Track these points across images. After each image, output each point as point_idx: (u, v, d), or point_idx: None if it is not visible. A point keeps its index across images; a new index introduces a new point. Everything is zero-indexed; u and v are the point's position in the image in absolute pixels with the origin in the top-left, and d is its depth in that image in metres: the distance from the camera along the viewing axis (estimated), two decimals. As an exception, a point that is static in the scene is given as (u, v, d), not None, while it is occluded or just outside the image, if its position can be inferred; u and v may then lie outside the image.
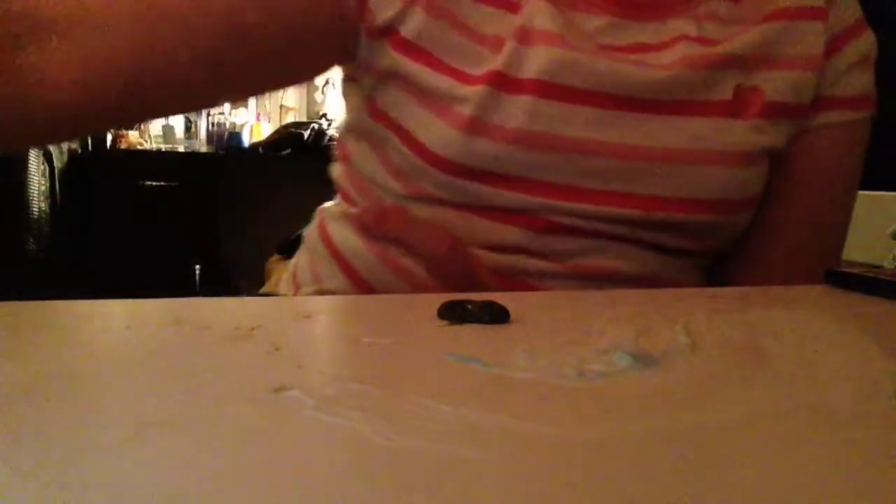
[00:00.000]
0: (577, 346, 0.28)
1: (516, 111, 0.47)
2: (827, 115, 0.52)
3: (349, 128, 0.59)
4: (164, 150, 2.89)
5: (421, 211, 0.50)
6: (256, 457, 0.17)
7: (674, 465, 0.18)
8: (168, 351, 0.28)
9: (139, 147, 2.79)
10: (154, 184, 2.52)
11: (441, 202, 0.50)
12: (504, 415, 0.20)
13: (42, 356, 0.26)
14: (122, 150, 2.73)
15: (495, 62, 0.48)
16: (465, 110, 0.47)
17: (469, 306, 0.32)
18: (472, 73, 0.48)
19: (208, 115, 2.99)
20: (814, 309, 0.40)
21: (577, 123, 0.48)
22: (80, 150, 2.51)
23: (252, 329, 0.30)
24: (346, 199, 0.59)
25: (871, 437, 0.20)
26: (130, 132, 2.78)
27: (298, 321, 0.33)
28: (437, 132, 0.48)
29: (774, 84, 0.50)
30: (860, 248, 0.93)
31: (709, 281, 0.56)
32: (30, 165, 2.15)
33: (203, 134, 3.01)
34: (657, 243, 0.50)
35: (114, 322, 0.33)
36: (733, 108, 0.50)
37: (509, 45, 0.48)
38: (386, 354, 0.27)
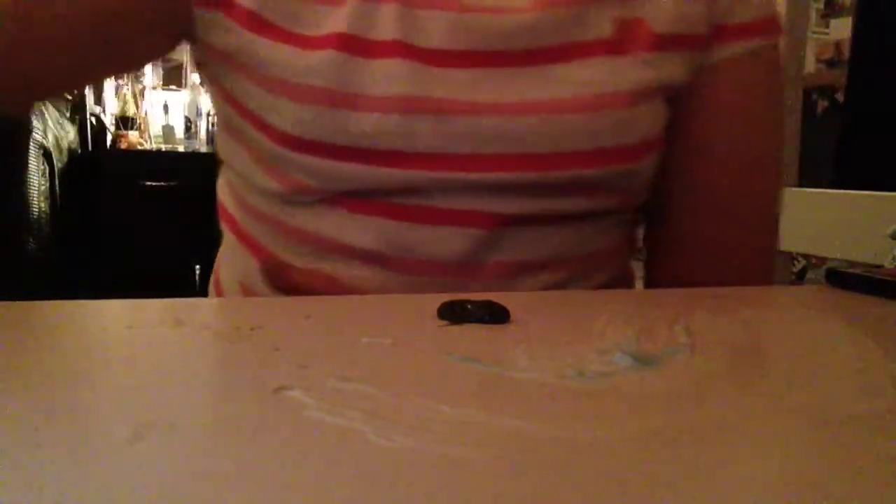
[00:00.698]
0: (577, 346, 0.28)
1: (382, 76, 0.42)
2: (728, 46, 0.48)
3: (220, 124, 0.52)
4: (164, 150, 2.89)
5: (302, 217, 0.46)
6: (256, 457, 0.17)
7: (674, 464, 0.18)
8: (168, 351, 0.28)
9: (139, 147, 2.79)
10: (154, 184, 2.52)
11: (322, 199, 0.45)
12: (504, 415, 0.20)
13: (42, 356, 0.26)
14: (122, 150, 2.73)
15: (338, 23, 0.43)
16: (318, 82, 0.42)
17: (469, 306, 0.32)
18: (314, 34, 0.43)
19: (208, 115, 2.99)
20: (814, 309, 0.40)
21: (451, 86, 0.43)
22: (80, 150, 2.51)
23: (252, 329, 0.30)
24: (228, 221, 0.54)
25: (871, 437, 0.20)
26: (130, 132, 2.78)
27: (298, 321, 0.33)
28: (290, 112, 0.43)
29: (659, 14, 0.46)
30: (860, 248, 0.92)
31: (637, 240, 0.54)
32: (30, 165, 2.15)
33: (203, 134, 3.01)
34: (564, 212, 0.46)
35: (114, 322, 0.33)
36: (616, 45, 0.45)
37: (352, 3, 0.43)
38: (386, 354, 0.27)
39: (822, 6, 3.01)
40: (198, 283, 2.47)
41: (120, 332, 0.31)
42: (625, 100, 0.44)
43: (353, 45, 0.43)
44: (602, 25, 0.45)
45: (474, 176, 0.44)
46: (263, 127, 0.45)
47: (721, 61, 0.48)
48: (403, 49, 0.43)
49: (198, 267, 2.49)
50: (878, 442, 0.20)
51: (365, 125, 0.42)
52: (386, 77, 0.43)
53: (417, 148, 0.43)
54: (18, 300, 0.34)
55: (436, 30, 0.44)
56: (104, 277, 2.44)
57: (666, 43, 0.46)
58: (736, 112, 0.50)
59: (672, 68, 0.47)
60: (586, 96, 0.44)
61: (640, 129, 0.46)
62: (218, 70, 0.47)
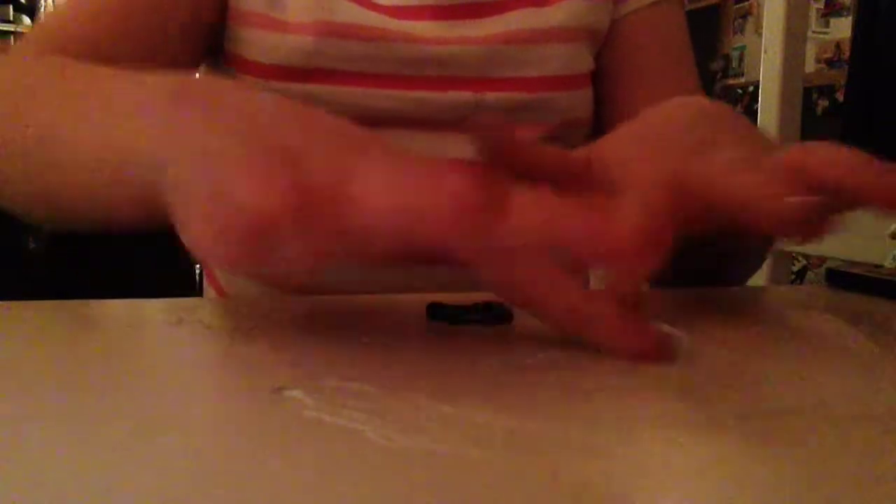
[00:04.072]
0: (577, 345, 0.28)
1: (307, 4, 0.50)
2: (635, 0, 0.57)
3: None
4: (164, 149, 2.88)
5: None
6: (256, 457, 0.17)
7: (674, 465, 0.18)
8: (168, 351, 0.28)
9: (139, 147, 2.79)
10: (154, 184, 2.51)
11: None
12: (504, 415, 0.20)
13: (42, 356, 0.26)
14: (122, 149, 2.72)
15: None
16: (307, 18, 0.50)
17: (471, 306, 0.32)
18: None
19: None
20: (814, 309, 0.40)
21: (409, 29, 0.51)
22: (80, 150, 2.51)
23: (252, 329, 0.30)
24: None
25: (871, 437, 0.20)
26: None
27: (298, 321, 0.33)
28: (256, 42, 0.51)
29: None
30: (860, 248, 0.92)
31: None
32: (30, 165, 2.15)
33: (203, 134, 3.01)
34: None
35: (114, 322, 0.33)
36: (534, 1, 0.54)
37: None
38: (386, 354, 0.27)
39: (822, 6, 3.01)
40: (198, 283, 2.47)
41: (120, 332, 0.31)
42: (549, 35, 0.53)
43: None
44: None
45: (416, 93, 0.51)
46: (244, 63, 0.52)
47: (631, 11, 0.57)
48: (370, 4, 0.52)
49: (198, 267, 2.49)
50: (878, 442, 0.20)
51: (298, 46, 0.50)
52: (355, 14, 0.51)
53: (381, 70, 0.51)
54: (18, 300, 0.33)
55: None
56: (104, 277, 2.44)
57: None
58: (653, 45, 0.58)
59: (587, 13, 0.55)
60: (516, 32, 0.52)
61: (562, 62, 0.54)
62: (227, 33, 0.53)
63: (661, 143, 0.34)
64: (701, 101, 0.39)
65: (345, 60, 0.50)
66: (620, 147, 0.35)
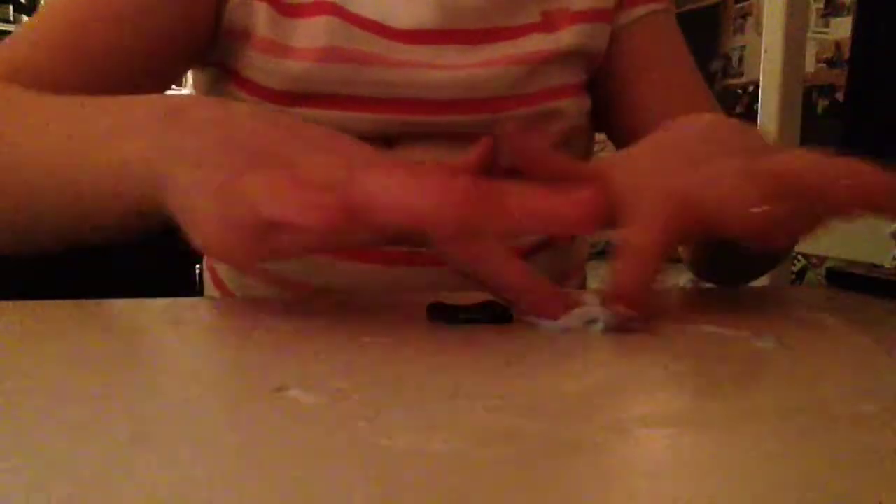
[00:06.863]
0: (576, 345, 0.28)
1: (316, 31, 0.50)
2: (632, 11, 0.58)
3: None
4: (164, 149, 2.88)
5: None
6: (256, 457, 0.17)
7: (675, 465, 0.18)
8: (168, 351, 0.28)
9: (139, 147, 2.79)
10: (154, 184, 2.51)
11: None
12: (504, 415, 0.20)
13: (42, 356, 0.26)
14: (122, 149, 2.72)
15: None
16: (318, 43, 0.50)
17: (471, 307, 0.32)
18: (306, 2, 0.51)
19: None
20: (814, 309, 0.40)
21: (413, 54, 0.51)
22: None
23: (252, 329, 0.30)
24: None
25: (871, 437, 0.20)
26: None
27: (298, 321, 0.33)
28: (257, 63, 0.51)
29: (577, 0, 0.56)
30: (860, 248, 0.92)
31: None
32: (30, 165, 2.14)
33: (203, 134, 3.01)
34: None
35: (114, 322, 0.33)
36: (543, 27, 0.55)
37: None
38: (386, 354, 0.27)
39: (822, 6, 3.01)
40: (198, 283, 2.47)
41: (120, 332, 0.31)
42: (558, 57, 0.54)
43: (342, 13, 0.51)
44: (532, 14, 0.55)
45: (433, 118, 0.52)
46: (245, 84, 0.52)
47: (629, 23, 0.59)
48: (379, 27, 0.52)
49: (198, 267, 2.49)
50: (878, 442, 0.20)
51: (294, 71, 0.50)
52: (321, 31, 0.50)
53: (395, 94, 0.51)
54: (18, 300, 0.33)
55: (404, 12, 0.52)
56: (104, 277, 2.43)
57: (584, 17, 0.56)
58: (655, 47, 0.60)
59: (588, 36, 0.56)
60: (529, 55, 0.53)
61: (566, 75, 0.55)
62: (227, 51, 0.52)
63: (673, 158, 0.37)
64: (715, 116, 0.42)
65: (355, 85, 0.50)
66: (636, 161, 0.38)
